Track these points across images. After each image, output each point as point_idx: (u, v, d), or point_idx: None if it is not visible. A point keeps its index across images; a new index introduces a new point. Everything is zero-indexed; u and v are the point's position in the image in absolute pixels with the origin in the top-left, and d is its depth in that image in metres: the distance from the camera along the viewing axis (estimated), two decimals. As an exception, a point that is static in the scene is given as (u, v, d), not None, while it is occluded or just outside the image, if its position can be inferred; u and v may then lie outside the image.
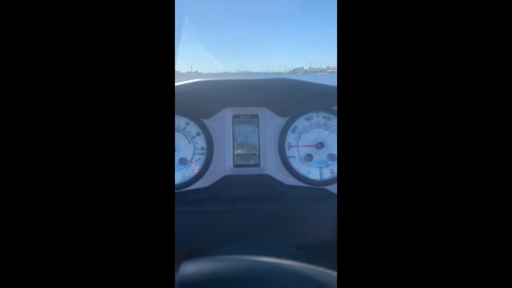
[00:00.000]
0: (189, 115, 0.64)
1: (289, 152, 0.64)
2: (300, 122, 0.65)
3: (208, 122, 0.64)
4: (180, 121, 0.64)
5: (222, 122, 0.64)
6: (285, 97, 0.64)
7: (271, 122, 0.65)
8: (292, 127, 0.64)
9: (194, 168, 0.64)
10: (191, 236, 0.58)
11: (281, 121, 0.64)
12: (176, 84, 0.64)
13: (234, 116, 0.65)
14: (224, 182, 0.63)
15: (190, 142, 0.64)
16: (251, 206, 0.59)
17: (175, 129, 0.64)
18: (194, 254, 0.57)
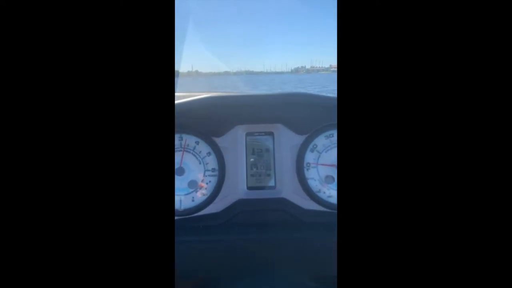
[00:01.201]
0: (199, 133, 0.59)
1: (308, 173, 0.59)
2: (320, 140, 0.59)
3: (220, 141, 0.59)
4: (189, 140, 0.59)
5: (235, 141, 0.59)
6: (303, 113, 0.59)
7: (287, 140, 0.59)
8: (311, 145, 0.59)
9: (205, 192, 0.59)
10: (200, 268, 0.53)
11: (298, 139, 0.59)
12: (184, 100, 0.59)
13: (247, 134, 0.60)
14: (237, 207, 0.58)
15: (200, 163, 0.59)
16: (267, 235, 0.54)
17: (185, 149, 0.59)
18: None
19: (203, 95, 0.60)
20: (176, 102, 0.57)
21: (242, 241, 0.54)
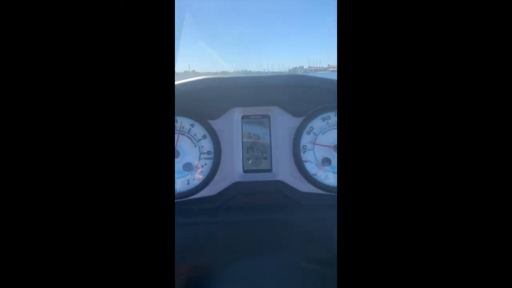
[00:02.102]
0: (194, 116, 0.58)
1: (304, 156, 0.58)
2: (316, 123, 0.59)
3: (215, 124, 0.58)
4: (184, 123, 0.58)
5: (230, 124, 0.59)
6: (299, 95, 0.58)
7: (284, 122, 0.59)
8: (307, 128, 0.58)
9: (200, 174, 0.58)
10: (196, 251, 0.53)
11: (295, 121, 0.58)
12: (179, 82, 0.58)
13: (243, 117, 0.60)
14: (233, 189, 0.57)
15: (195, 146, 0.58)
16: (263, 216, 0.54)
17: (180, 132, 0.58)
18: (199, 271, 0.53)
19: (198, 77, 0.59)
20: None
21: (238, 223, 0.53)
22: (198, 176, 0.58)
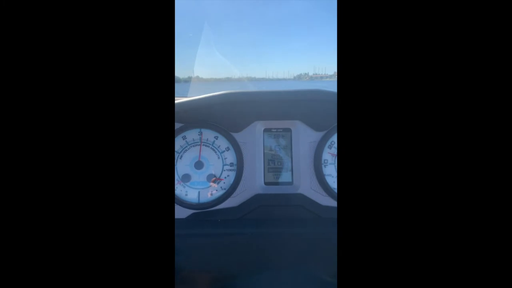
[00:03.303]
0: (218, 128, 0.59)
1: (325, 170, 0.59)
2: (337, 137, 0.60)
3: (238, 136, 0.59)
4: (208, 135, 0.60)
5: (253, 136, 0.60)
6: (320, 110, 0.59)
7: (305, 136, 0.60)
8: (328, 142, 0.59)
9: (223, 186, 0.59)
10: (217, 262, 0.53)
11: (316, 135, 0.59)
12: (204, 96, 0.60)
13: (266, 130, 0.61)
14: (255, 201, 0.58)
15: (219, 158, 0.60)
16: (285, 230, 0.54)
17: (203, 144, 0.60)
18: (219, 282, 0.53)
19: (222, 91, 0.61)
20: (195, 97, 0.58)
21: (259, 235, 0.54)
22: (223, 186, 0.59)
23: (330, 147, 0.60)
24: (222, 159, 0.60)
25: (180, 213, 0.58)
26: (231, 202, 0.58)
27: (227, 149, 0.60)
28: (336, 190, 0.59)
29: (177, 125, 0.59)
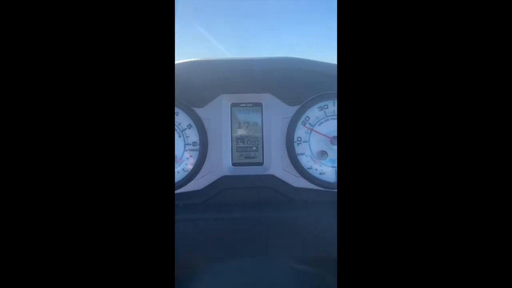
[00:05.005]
0: (178, 103, 0.53)
1: (298, 148, 0.55)
2: (313, 112, 0.55)
3: (201, 112, 0.54)
4: None
5: (219, 112, 0.54)
6: (295, 82, 0.54)
7: (277, 111, 0.55)
8: (302, 118, 0.55)
9: (185, 167, 0.54)
10: (181, 249, 0.49)
11: (289, 110, 0.54)
12: None
13: (233, 105, 0.55)
14: (221, 184, 0.54)
15: (180, 136, 0.54)
16: (253, 214, 0.50)
17: None
18: (179, 270, 0.50)
19: (183, 60, 0.54)
20: None
21: (225, 220, 0.50)
22: (185, 168, 0.54)
23: (304, 124, 0.54)
24: (184, 137, 0.54)
25: None
26: (194, 185, 0.54)
27: (189, 126, 0.54)
28: (310, 170, 0.54)
29: None
